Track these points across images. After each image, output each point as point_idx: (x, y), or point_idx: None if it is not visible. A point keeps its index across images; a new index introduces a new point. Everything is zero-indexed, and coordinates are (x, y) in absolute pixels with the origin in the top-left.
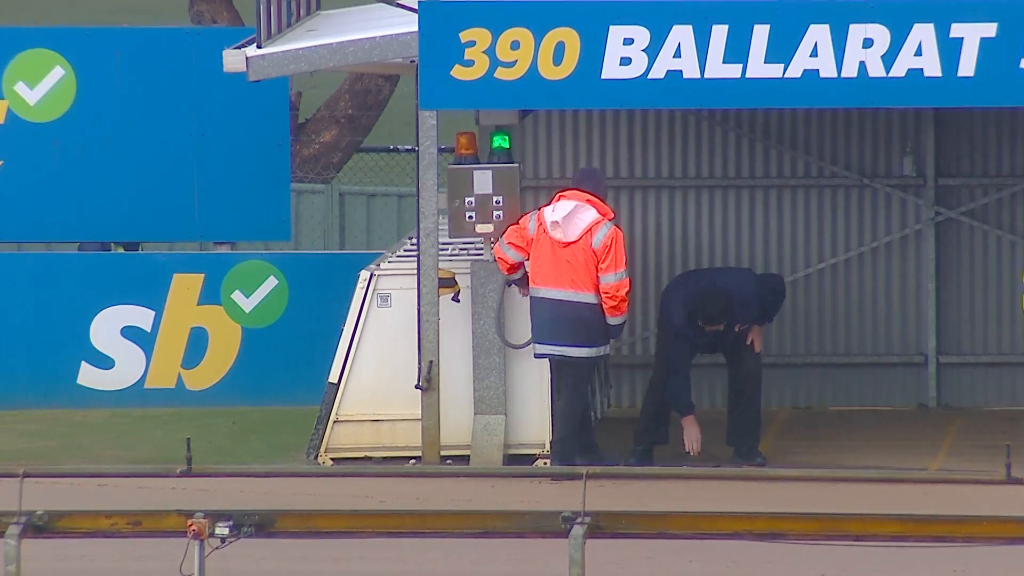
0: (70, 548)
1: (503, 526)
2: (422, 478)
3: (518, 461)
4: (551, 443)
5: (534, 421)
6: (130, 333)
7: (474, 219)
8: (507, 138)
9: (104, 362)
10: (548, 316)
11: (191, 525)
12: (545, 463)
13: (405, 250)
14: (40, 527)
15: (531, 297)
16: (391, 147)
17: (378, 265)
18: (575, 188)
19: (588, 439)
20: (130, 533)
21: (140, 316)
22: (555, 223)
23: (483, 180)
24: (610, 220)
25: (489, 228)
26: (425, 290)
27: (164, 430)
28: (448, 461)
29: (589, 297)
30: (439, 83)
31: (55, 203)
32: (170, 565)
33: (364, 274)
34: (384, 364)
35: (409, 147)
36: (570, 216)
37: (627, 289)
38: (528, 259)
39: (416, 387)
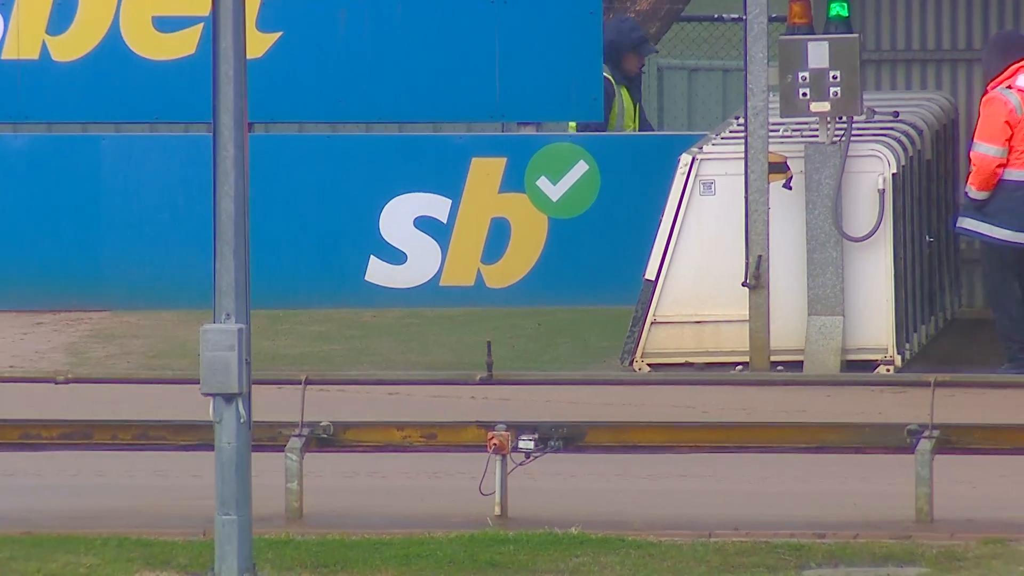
0: (357, 463)
1: (841, 440)
2: (749, 386)
3: (857, 367)
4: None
5: (876, 323)
6: (424, 224)
7: (808, 96)
8: (846, 6)
9: (395, 257)
10: None
11: (492, 438)
12: (888, 369)
13: (731, 131)
14: (324, 440)
15: (1008, 181)
16: (715, 16)
17: (700, 148)
18: None
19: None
20: (424, 447)
21: (435, 205)
22: None
23: (818, 53)
24: None
25: (825, 106)
26: (753, 176)
27: (461, 332)
28: (779, 367)
29: None
30: None
31: (340, 80)
32: (469, 483)
33: (685, 158)
34: (707, 259)
35: (736, 16)
36: None
37: None
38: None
39: (743, 285)
